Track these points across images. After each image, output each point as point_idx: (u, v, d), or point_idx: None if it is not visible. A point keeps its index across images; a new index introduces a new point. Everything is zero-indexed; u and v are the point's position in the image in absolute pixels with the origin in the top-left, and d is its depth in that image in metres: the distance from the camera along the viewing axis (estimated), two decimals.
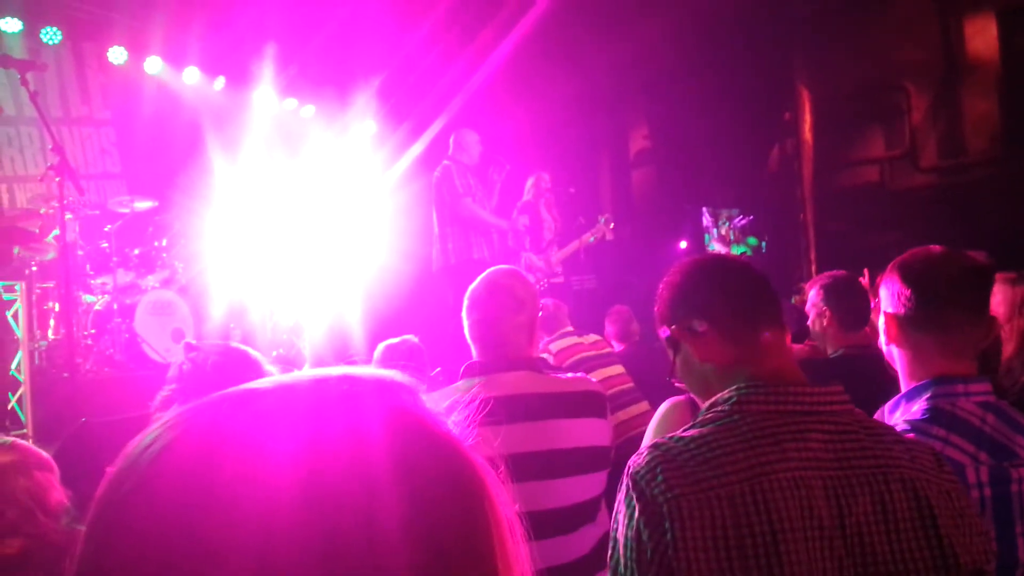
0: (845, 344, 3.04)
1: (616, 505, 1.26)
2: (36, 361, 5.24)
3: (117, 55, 7.71)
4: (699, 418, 1.32)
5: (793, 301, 4.74)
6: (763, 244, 9.59)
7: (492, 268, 2.41)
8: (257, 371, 2.10)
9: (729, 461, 1.20)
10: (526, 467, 2.05)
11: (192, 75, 8.14)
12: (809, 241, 9.45)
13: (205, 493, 0.46)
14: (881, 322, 1.76)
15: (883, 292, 1.76)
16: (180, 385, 2.10)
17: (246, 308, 6.74)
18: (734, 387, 1.31)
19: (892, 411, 1.71)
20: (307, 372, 0.55)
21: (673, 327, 1.46)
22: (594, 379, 3.65)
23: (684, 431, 1.29)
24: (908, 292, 1.69)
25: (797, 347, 3.68)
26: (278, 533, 0.45)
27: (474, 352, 2.31)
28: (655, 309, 1.54)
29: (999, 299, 3.99)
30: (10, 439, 1.90)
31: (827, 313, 3.07)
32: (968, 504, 1.28)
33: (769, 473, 1.19)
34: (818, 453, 1.23)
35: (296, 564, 0.44)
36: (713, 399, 1.33)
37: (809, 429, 1.25)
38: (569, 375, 2.37)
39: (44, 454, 1.90)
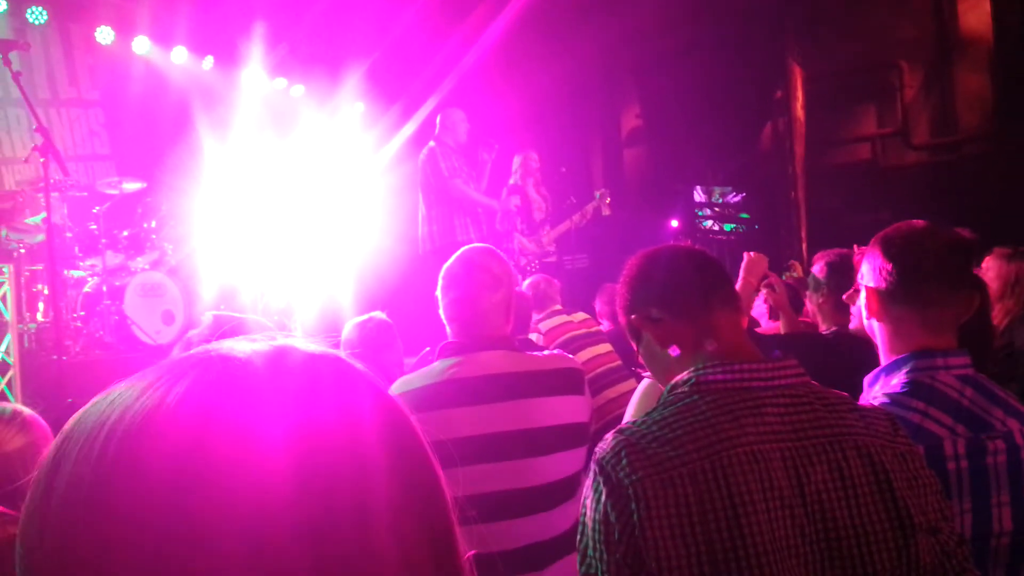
0: (839, 322, 3.04)
1: (584, 490, 1.30)
2: (25, 344, 5.22)
3: (104, 35, 7.62)
4: (661, 401, 1.36)
5: (784, 278, 4.74)
6: (755, 222, 9.59)
7: (466, 247, 2.39)
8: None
9: (690, 439, 1.23)
10: (506, 446, 2.05)
11: (180, 55, 8.06)
12: (800, 219, 9.45)
13: (195, 473, 0.44)
14: (862, 297, 1.76)
15: (864, 267, 1.76)
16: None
17: (236, 289, 6.71)
18: (692, 368, 1.35)
19: (872, 384, 1.72)
20: (296, 344, 0.54)
21: (633, 317, 1.53)
22: (582, 358, 3.66)
23: (647, 414, 1.33)
24: (890, 266, 1.69)
25: (803, 320, 3.69)
26: (272, 514, 0.44)
27: (449, 332, 2.29)
28: (617, 302, 1.60)
29: (993, 274, 3.99)
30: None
31: (825, 290, 3.08)
32: (923, 464, 1.31)
33: (728, 448, 1.22)
34: (775, 426, 1.26)
35: (290, 549, 0.44)
36: (674, 381, 1.38)
37: (765, 403, 1.28)
38: (546, 352, 2.36)
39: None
